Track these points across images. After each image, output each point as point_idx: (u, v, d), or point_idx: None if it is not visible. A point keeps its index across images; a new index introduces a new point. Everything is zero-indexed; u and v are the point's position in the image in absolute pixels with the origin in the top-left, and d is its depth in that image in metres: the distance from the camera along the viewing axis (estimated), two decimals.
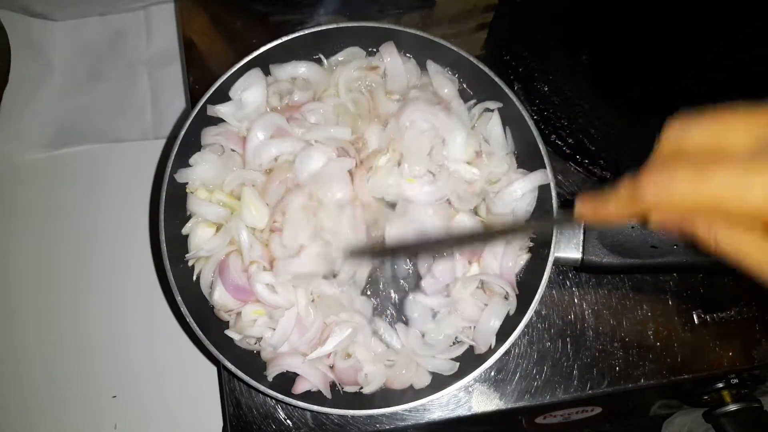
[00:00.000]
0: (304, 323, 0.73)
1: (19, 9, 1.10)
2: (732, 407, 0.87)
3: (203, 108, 0.77)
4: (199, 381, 0.98)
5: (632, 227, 0.75)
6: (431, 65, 0.83)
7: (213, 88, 0.77)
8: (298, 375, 0.73)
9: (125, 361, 0.99)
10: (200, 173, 0.76)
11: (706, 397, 0.89)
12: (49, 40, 1.12)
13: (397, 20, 0.97)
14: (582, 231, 0.75)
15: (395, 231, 0.75)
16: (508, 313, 0.74)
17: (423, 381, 0.74)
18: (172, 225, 0.76)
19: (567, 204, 0.80)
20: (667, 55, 0.91)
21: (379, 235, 0.76)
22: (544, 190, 0.78)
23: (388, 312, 0.79)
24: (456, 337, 0.77)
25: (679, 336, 0.82)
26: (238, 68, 0.78)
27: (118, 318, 1.01)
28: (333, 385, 0.75)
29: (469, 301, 0.75)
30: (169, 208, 0.74)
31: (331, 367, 0.74)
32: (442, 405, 0.79)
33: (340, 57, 0.84)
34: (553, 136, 0.87)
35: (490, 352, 0.73)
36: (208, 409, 0.95)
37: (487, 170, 0.79)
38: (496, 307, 0.74)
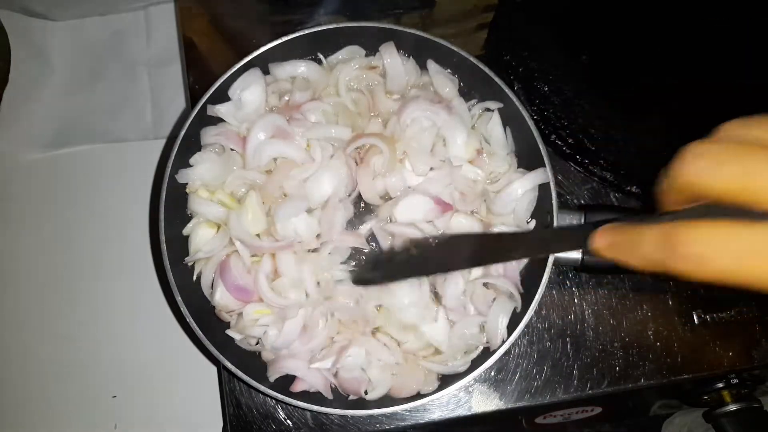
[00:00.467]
0: (310, 331, 0.73)
1: (19, 9, 1.10)
2: (732, 407, 0.87)
3: (203, 108, 0.77)
4: (199, 381, 0.98)
5: None
6: (432, 65, 0.83)
7: (213, 88, 0.77)
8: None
9: (125, 361, 0.99)
10: (201, 173, 0.76)
11: (706, 397, 0.89)
12: (49, 40, 1.12)
13: (397, 20, 0.97)
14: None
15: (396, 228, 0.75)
16: (514, 310, 0.74)
17: (430, 387, 0.74)
18: (172, 225, 0.76)
19: (564, 206, 0.79)
20: (667, 54, 0.91)
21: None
22: (543, 190, 0.77)
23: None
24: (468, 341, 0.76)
25: (679, 336, 0.82)
26: (238, 68, 0.78)
27: (118, 318, 1.01)
28: (333, 387, 0.75)
29: (477, 297, 0.75)
30: (169, 208, 0.74)
31: (335, 375, 0.74)
32: (442, 405, 0.79)
33: (339, 56, 0.84)
34: (553, 136, 0.87)
35: (491, 352, 0.73)
36: (208, 409, 0.95)
37: (488, 170, 0.79)
38: (502, 304, 0.74)
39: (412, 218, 0.75)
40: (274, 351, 0.73)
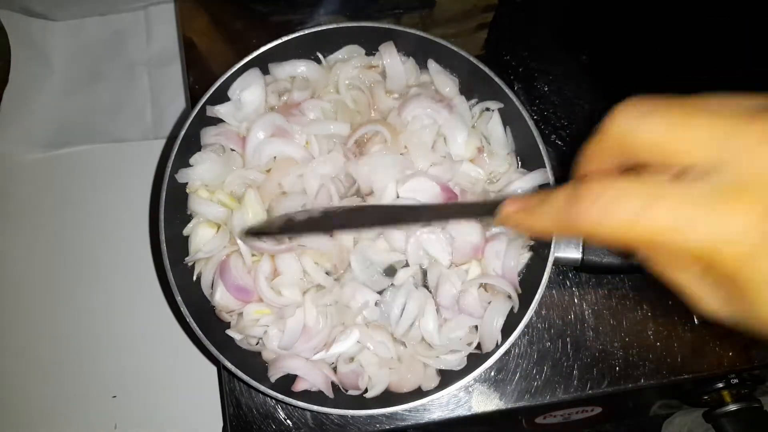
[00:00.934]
0: (310, 330, 0.73)
1: (19, 9, 1.10)
2: (732, 407, 0.87)
3: (203, 108, 0.77)
4: (199, 381, 0.98)
5: None
6: (432, 64, 0.83)
7: (213, 88, 0.77)
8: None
9: (125, 361, 0.99)
10: (201, 173, 0.76)
11: (706, 397, 0.89)
12: (49, 40, 1.12)
13: (397, 20, 0.97)
14: None
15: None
16: (511, 310, 0.74)
17: (431, 382, 0.74)
18: (172, 225, 0.76)
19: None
20: (667, 54, 0.91)
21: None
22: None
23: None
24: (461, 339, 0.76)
25: (679, 336, 0.82)
26: (238, 68, 0.78)
27: (118, 318, 1.01)
28: (334, 386, 0.75)
29: (473, 298, 0.75)
30: (169, 208, 0.74)
31: (334, 370, 0.74)
32: (442, 405, 0.79)
33: (339, 55, 0.84)
34: (553, 136, 0.87)
35: (491, 351, 0.73)
36: (208, 409, 0.95)
37: (488, 169, 0.79)
38: (499, 305, 0.74)
39: (415, 199, 0.75)
40: (275, 351, 0.73)
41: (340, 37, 0.83)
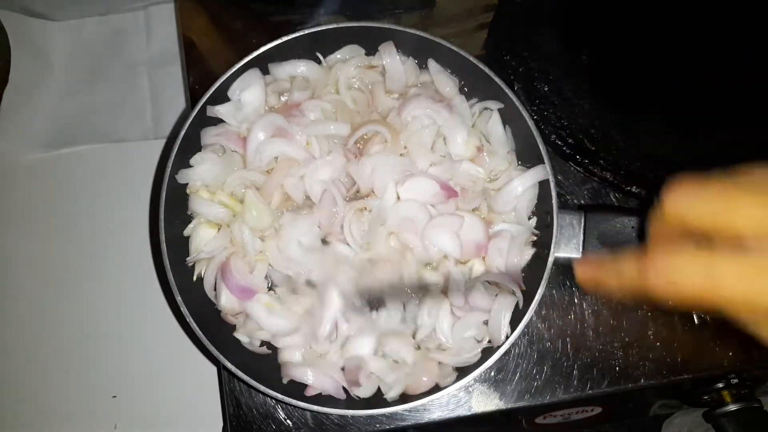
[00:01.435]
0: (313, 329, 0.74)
1: (19, 9, 1.09)
2: (732, 407, 0.87)
3: (203, 108, 0.77)
4: (199, 381, 0.98)
5: (632, 227, 0.75)
6: (432, 64, 0.83)
7: (213, 89, 0.77)
8: None
9: (125, 361, 0.99)
10: (201, 173, 0.76)
11: (706, 397, 0.89)
12: (49, 40, 1.12)
13: (397, 20, 0.97)
14: (582, 231, 0.75)
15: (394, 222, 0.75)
16: (516, 305, 0.74)
17: (449, 379, 0.73)
18: (173, 225, 0.76)
19: (564, 206, 0.79)
20: (667, 54, 0.91)
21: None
22: (543, 189, 0.77)
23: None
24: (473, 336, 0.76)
25: (679, 336, 0.82)
26: (238, 68, 0.78)
27: (118, 318, 1.01)
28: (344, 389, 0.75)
29: (480, 292, 0.75)
30: (169, 208, 0.74)
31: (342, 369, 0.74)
32: (442, 405, 0.79)
33: (339, 55, 0.84)
34: (553, 136, 0.87)
35: (492, 351, 0.73)
36: (208, 409, 0.95)
37: (488, 168, 0.79)
38: (504, 300, 0.74)
39: (416, 198, 0.75)
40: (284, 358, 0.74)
41: (340, 37, 0.83)
